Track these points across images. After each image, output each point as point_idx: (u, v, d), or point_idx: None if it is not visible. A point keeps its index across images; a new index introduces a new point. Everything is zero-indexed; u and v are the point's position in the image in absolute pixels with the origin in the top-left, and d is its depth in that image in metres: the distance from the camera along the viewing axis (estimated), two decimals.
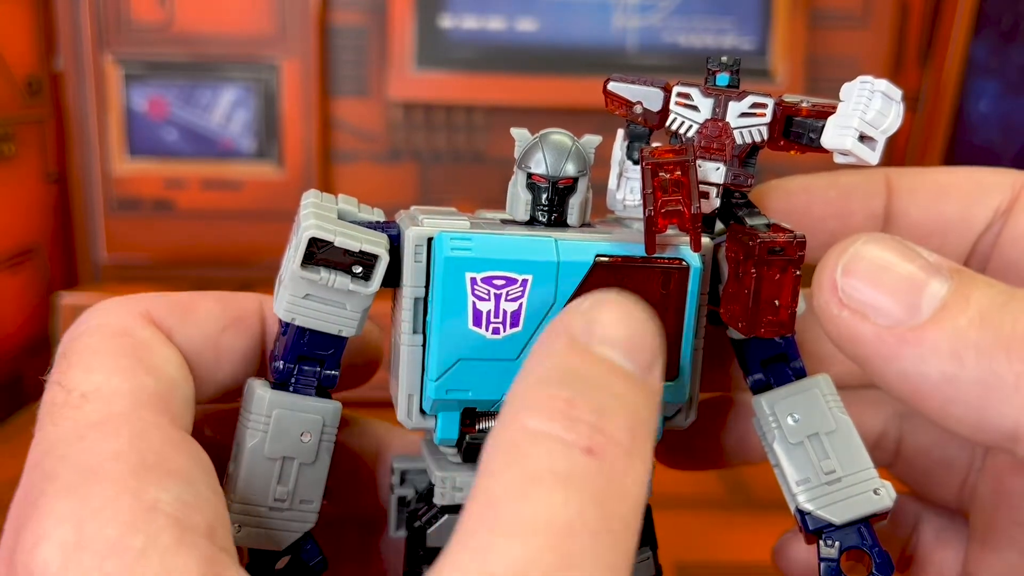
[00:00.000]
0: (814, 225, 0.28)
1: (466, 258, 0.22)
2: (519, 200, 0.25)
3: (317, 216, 0.23)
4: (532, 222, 0.25)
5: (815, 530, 0.26)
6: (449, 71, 0.67)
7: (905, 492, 0.28)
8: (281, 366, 0.25)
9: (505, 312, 0.23)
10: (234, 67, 0.67)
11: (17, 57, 0.62)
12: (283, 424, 0.24)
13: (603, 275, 0.23)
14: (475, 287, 0.22)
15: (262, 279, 0.68)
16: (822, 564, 0.26)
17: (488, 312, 0.23)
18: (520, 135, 0.25)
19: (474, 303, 0.22)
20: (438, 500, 0.25)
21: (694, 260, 0.24)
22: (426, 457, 0.27)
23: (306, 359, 0.25)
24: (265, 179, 0.68)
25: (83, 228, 0.69)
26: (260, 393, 0.25)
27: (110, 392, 0.22)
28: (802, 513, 0.26)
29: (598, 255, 0.23)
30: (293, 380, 0.25)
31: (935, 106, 0.63)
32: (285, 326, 0.25)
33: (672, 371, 0.24)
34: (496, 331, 0.23)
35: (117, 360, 0.23)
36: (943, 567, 0.30)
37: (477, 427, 0.24)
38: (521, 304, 0.23)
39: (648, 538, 0.28)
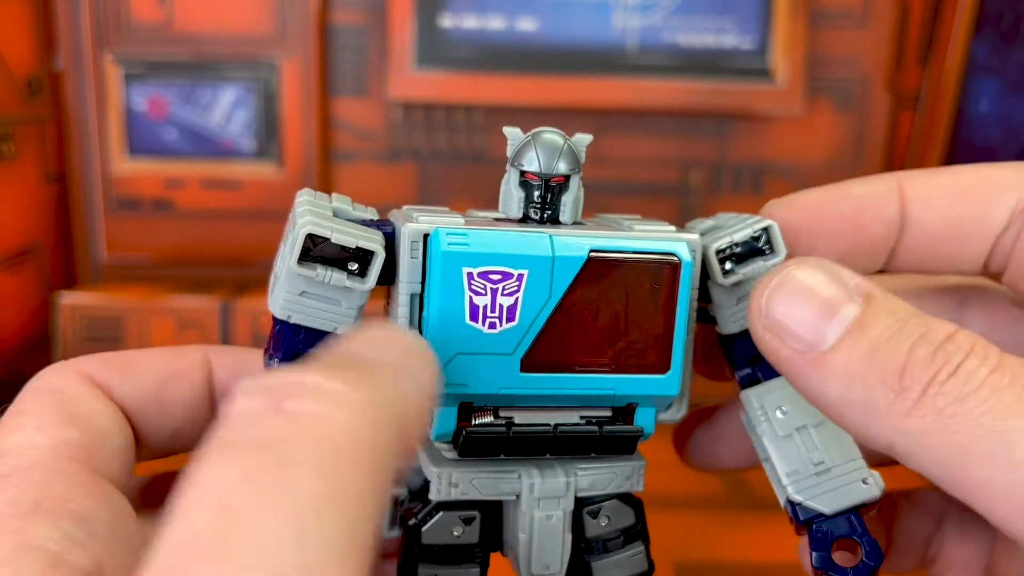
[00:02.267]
0: (831, 240, 0.28)
1: (463, 252, 0.23)
2: (512, 197, 0.25)
3: (313, 213, 0.24)
4: (525, 219, 0.25)
5: (805, 520, 0.26)
6: (449, 71, 0.67)
7: (928, 487, 0.28)
8: (276, 364, 0.25)
9: (501, 307, 0.23)
10: (234, 67, 0.67)
11: (17, 57, 0.62)
12: None
13: (597, 269, 0.23)
14: (472, 282, 0.23)
15: (261, 278, 0.68)
16: (813, 554, 0.26)
17: (485, 307, 0.23)
18: (512, 134, 0.25)
19: (471, 298, 0.23)
20: (434, 496, 0.25)
21: (686, 256, 0.24)
22: (419, 452, 0.27)
23: (300, 357, 0.25)
24: (265, 179, 0.68)
25: (83, 228, 0.69)
26: None
27: (27, 447, 0.23)
28: (792, 504, 0.26)
29: (592, 250, 0.23)
30: None
31: (935, 106, 0.63)
32: (279, 324, 0.25)
33: (664, 365, 0.24)
34: (493, 325, 0.23)
35: (41, 417, 0.24)
36: (969, 563, 0.30)
37: (473, 421, 0.24)
38: (517, 299, 0.23)
39: (640, 533, 0.28)
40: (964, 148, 0.61)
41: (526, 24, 0.67)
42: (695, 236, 0.25)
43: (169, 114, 0.67)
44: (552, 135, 0.25)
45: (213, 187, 0.68)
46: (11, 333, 0.61)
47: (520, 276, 0.23)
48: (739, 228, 0.26)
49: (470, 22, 0.67)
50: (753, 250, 0.26)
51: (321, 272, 0.23)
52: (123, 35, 0.66)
